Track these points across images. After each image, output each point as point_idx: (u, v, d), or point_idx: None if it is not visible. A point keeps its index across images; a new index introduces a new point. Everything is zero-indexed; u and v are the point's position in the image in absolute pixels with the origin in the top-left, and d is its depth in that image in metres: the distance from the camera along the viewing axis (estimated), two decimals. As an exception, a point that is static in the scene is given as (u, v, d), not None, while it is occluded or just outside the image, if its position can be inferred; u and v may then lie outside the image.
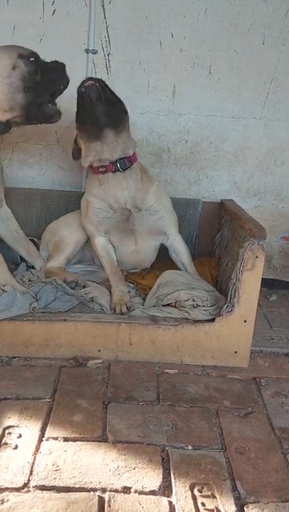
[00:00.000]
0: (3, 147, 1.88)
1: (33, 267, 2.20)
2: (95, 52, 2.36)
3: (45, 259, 2.22)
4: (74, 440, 1.41)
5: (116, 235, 2.03)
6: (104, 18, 2.33)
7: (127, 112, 1.87)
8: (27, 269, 2.20)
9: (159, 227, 2.04)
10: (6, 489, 1.22)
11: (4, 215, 2.10)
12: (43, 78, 1.65)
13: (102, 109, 1.74)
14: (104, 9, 2.31)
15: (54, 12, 2.32)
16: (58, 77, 1.66)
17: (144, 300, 2.04)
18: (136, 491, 1.23)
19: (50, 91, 1.68)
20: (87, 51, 2.36)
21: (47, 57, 2.35)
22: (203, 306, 1.89)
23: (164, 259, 2.21)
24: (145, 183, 1.97)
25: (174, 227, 2.09)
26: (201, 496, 1.24)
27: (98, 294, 1.98)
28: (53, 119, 1.74)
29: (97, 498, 1.20)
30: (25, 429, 1.44)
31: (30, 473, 1.27)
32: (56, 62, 1.70)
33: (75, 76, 2.38)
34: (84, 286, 2.01)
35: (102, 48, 2.38)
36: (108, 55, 2.39)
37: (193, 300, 1.90)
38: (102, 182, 1.90)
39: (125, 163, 1.87)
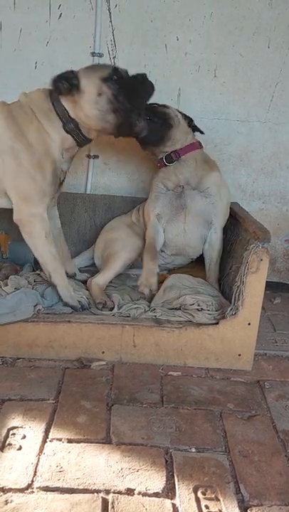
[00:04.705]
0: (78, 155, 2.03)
1: (38, 269, 2.20)
2: (100, 55, 2.38)
3: (98, 266, 2.27)
4: (78, 441, 1.41)
5: (168, 211, 2.14)
6: (111, 21, 2.34)
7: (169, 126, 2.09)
8: (32, 270, 2.21)
9: (208, 212, 2.12)
10: (10, 490, 1.22)
11: (54, 214, 2.13)
12: (128, 95, 1.71)
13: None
14: (110, 13, 2.33)
15: (60, 15, 2.33)
16: (141, 90, 1.73)
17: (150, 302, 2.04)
18: (139, 493, 1.24)
19: (138, 106, 1.76)
20: (93, 54, 2.37)
21: (53, 60, 2.39)
22: (208, 310, 1.89)
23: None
24: (201, 171, 2.12)
25: (221, 221, 2.16)
26: (205, 498, 1.24)
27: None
28: (141, 135, 1.87)
29: (100, 499, 1.21)
30: (29, 430, 1.44)
31: (34, 474, 1.28)
32: (136, 76, 1.75)
33: (81, 79, 2.42)
34: (111, 309, 1.93)
35: (108, 51, 2.39)
36: (114, 58, 2.40)
37: (198, 305, 1.91)
38: (161, 171, 2.18)
39: (171, 156, 2.11)
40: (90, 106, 1.71)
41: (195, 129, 2.22)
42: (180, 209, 2.12)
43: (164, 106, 2.14)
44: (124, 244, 2.18)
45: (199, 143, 2.20)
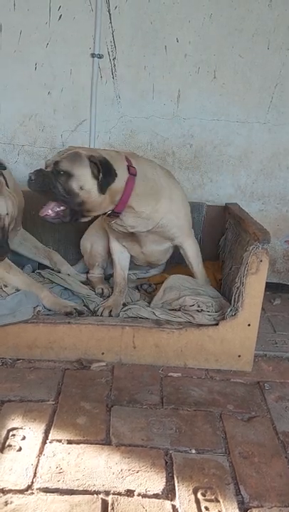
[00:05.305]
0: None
1: (40, 269, 2.25)
2: (100, 56, 2.38)
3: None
4: (77, 443, 1.41)
5: (124, 241, 2.10)
6: (110, 23, 2.34)
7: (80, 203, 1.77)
8: (33, 271, 2.22)
9: (166, 237, 2.05)
10: (10, 491, 1.22)
11: (21, 239, 2.25)
12: None
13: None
14: (110, 14, 2.33)
15: (60, 17, 2.34)
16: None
17: (149, 303, 2.04)
18: (139, 494, 1.24)
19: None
20: (92, 56, 2.38)
21: (53, 61, 2.39)
22: (208, 311, 1.89)
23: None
24: (148, 213, 1.88)
25: (184, 231, 2.06)
26: (205, 499, 1.24)
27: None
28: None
29: (100, 501, 1.21)
30: (29, 432, 1.44)
31: (34, 476, 1.28)
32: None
33: (81, 80, 2.43)
34: (108, 296, 2.08)
35: (108, 52, 2.39)
36: (114, 59, 2.40)
37: (198, 306, 1.91)
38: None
39: (112, 216, 1.88)
40: None
41: (105, 181, 1.72)
42: (135, 242, 2.05)
43: (68, 173, 1.70)
44: (92, 239, 2.26)
45: (132, 173, 1.79)
